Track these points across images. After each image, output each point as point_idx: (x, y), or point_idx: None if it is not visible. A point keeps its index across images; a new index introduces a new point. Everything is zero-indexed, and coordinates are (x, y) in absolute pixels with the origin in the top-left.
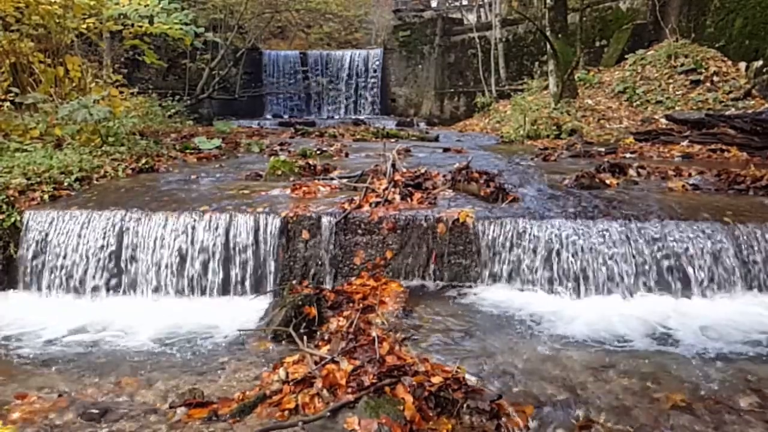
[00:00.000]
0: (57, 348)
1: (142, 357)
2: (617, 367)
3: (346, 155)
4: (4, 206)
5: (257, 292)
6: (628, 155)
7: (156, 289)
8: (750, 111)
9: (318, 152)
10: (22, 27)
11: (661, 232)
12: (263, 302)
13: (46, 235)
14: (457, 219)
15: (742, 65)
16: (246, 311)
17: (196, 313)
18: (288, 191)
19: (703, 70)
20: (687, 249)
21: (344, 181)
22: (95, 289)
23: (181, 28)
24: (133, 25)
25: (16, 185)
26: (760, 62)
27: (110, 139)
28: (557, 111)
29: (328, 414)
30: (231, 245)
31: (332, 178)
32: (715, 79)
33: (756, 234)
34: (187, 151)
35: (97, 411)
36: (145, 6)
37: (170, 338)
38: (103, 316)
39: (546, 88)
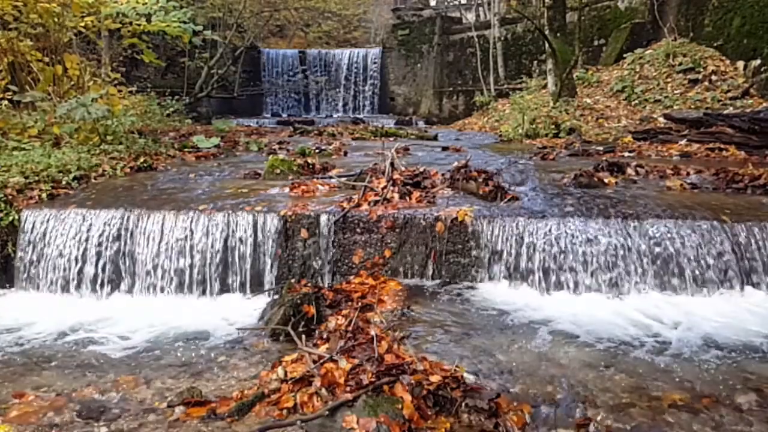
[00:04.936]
0: (55, 347)
1: (140, 356)
2: (615, 366)
3: (345, 154)
4: (2, 205)
5: (256, 290)
6: (626, 154)
7: (154, 288)
8: (748, 110)
9: (317, 151)
10: (20, 25)
11: (659, 230)
12: (262, 301)
13: (44, 233)
14: (456, 218)
15: (740, 64)
16: (244, 310)
17: (195, 312)
18: (287, 190)
19: (702, 69)
20: (685, 247)
21: (343, 179)
22: (93, 287)
23: (179, 26)
24: (131, 24)
25: (14, 184)
26: (758, 61)
27: (108, 138)
28: (556, 110)
29: (327, 413)
30: (229, 244)
31: (331, 177)
32: (714, 78)
33: (754, 232)
34: (186, 149)
35: (95, 410)
36: (143, 4)
37: (168, 337)
38: (101, 314)
39: (545, 87)
